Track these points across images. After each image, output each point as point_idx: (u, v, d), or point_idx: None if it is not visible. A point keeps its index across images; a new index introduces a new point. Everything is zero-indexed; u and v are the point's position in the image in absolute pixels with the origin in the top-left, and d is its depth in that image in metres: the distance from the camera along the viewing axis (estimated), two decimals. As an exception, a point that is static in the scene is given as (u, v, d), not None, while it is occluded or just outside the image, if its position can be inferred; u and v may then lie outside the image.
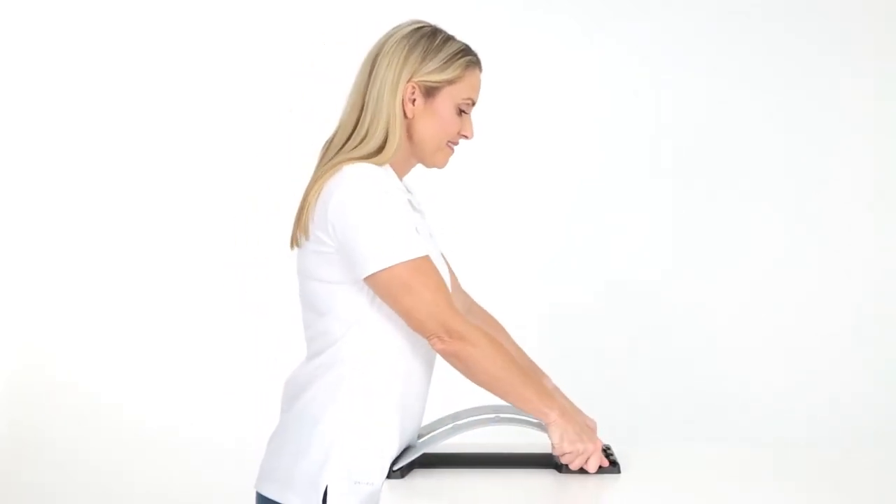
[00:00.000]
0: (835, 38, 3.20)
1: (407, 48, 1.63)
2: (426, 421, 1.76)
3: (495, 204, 3.22)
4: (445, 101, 1.65)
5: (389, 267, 1.54)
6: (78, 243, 3.21)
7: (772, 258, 3.23)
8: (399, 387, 1.64)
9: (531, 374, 1.72)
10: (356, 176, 1.57)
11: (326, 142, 1.68)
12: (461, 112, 1.67)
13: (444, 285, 1.60)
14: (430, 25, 1.68)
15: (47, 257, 3.21)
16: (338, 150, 1.64)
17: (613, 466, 1.66)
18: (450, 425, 1.71)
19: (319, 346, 1.65)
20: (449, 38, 1.66)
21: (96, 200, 3.21)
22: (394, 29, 1.67)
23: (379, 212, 1.56)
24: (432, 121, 1.65)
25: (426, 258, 1.57)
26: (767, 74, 3.21)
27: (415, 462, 1.67)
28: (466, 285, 3.14)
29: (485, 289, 3.19)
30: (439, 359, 1.64)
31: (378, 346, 1.62)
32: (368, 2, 3.00)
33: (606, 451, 1.73)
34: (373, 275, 1.55)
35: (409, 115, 1.64)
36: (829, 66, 3.21)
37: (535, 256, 3.22)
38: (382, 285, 1.56)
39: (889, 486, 1.66)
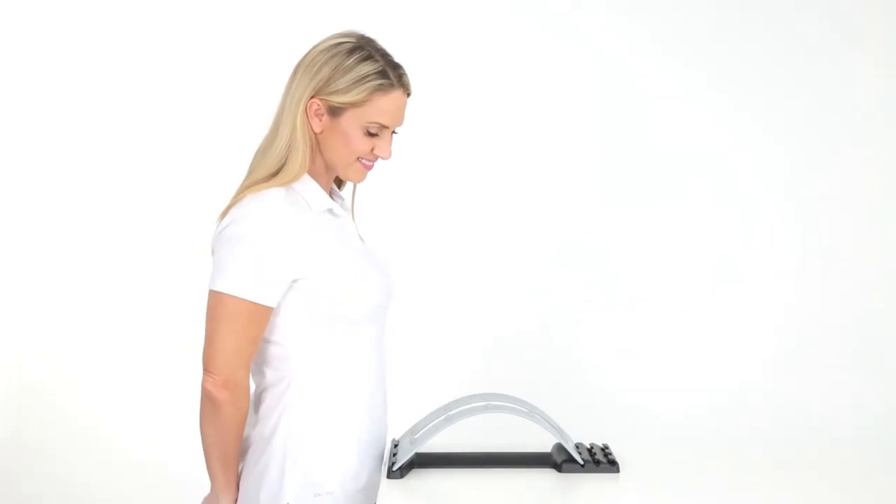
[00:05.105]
0: (835, 38, 3.20)
1: (320, 63, 1.58)
2: (418, 417, 1.76)
3: (495, 205, 3.22)
4: (350, 123, 1.58)
5: (218, 292, 1.53)
6: (74, 255, 3.17)
7: (772, 258, 3.23)
8: (349, 392, 1.62)
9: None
10: (251, 208, 1.55)
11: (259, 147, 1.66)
12: (373, 133, 1.60)
13: (256, 340, 1.56)
14: (355, 41, 1.60)
15: (45, 266, 3.19)
16: (255, 157, 1.64)
17: (612, 465, 1.67)
18: (442, 417, 1.70)
19: (262, 363, 1.64)
20: (367, 58, 1.58)
21: (95, 209, 3.17)
22: (323, 39, 1.62)
23: (244, 244, 1.53)
24: (339, 140, 1.60)
25: (255, 306, 1.53)
26: (767, 74, 3.20)
27: (414, 462, 1.68)
28: (466, 286, 3.16)
29: (485, 289, 3.23)
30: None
31: (320, 354, 1.60)
32: (368, 2, 3.00)
33: (605, 450, 1.73)
34: (210, 291, 1.55)
35: (317, 129, 1.60)
36: (829, 66, 3.20)
37: (534, 256, 3.22)
38: (209, 305, 1.55)
39: (889, 486, 1.67)
